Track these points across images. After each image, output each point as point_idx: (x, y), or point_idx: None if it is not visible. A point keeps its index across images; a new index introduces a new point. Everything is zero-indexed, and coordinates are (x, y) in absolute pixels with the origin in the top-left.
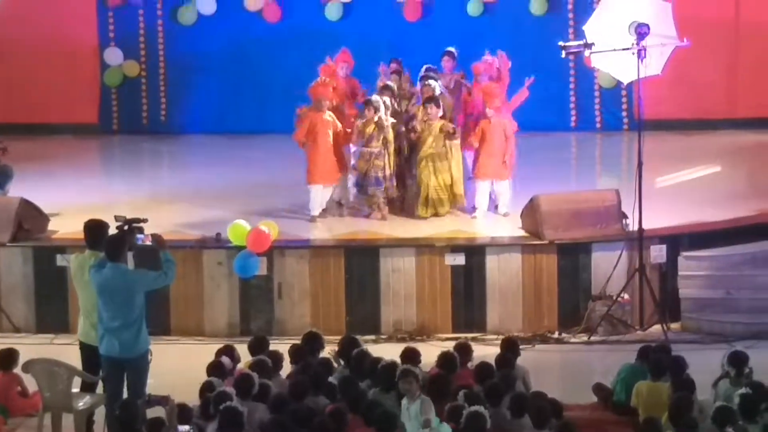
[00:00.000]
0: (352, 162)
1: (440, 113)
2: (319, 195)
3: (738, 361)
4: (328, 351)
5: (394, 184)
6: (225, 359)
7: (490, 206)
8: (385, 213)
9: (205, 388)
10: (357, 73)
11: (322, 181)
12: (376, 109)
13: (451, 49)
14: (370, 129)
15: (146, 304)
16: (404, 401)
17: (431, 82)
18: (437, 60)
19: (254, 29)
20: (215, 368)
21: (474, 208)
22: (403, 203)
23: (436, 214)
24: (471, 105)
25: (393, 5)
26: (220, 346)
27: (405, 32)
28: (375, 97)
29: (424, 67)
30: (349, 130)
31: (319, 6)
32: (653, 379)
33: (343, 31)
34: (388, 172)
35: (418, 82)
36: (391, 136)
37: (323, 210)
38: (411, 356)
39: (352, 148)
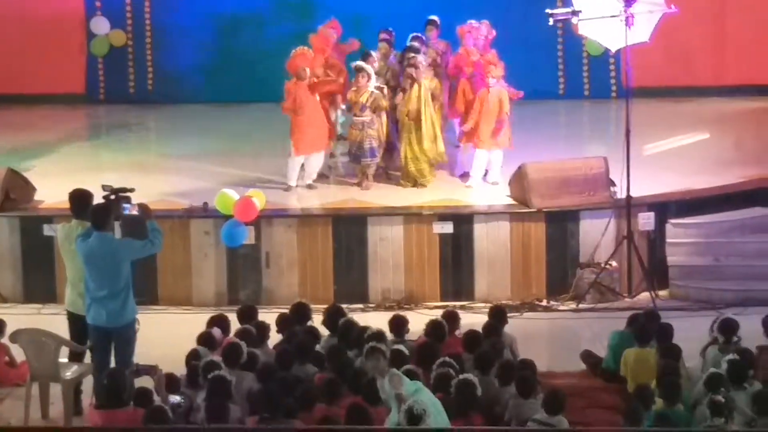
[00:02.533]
0: (340, 130)
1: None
2: (298, 165)
3: (728, 328)
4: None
5: (381, 153)
6: (215, 330)
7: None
8: (370, 184)
9: (191, 357)
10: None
11: (309, 150)
12: (369, 76)
13: (434, 17)
14: (364, 98)
15: (134, 273)
16: (378, 381)
17: (414, 54)
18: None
19: None
20: (205, 339)
21: (467, 176)
22: (390, 171)
23: (416, 185)
24: (454, 69)
25: None
26: (208, 315)
27: (393, 3)
28: (366, 65)
29: (410, 36)
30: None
31: None
32: (640, 345)
33: (335, 1)
34: (380, 141)
35: (404, 53)
36: (384, 102)
37: (319, 175)
38: (399, 324)
39: (339, 116)
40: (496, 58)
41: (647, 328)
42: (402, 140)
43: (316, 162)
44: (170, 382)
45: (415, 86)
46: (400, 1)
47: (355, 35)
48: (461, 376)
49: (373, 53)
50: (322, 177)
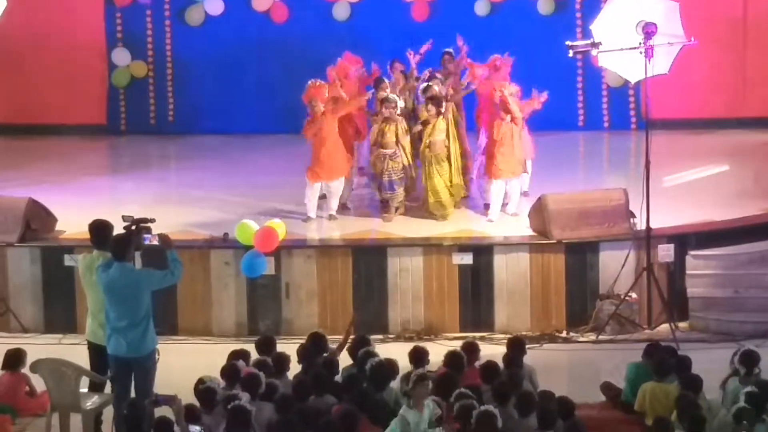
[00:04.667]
0: (362, 164)
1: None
2: (315, 195)
3: (750, 360)
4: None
5: (407, 182)
6: (240, 362)
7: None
8: (392, 216)
9: (198, 383)
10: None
11: (324, 178)
12: (395, 105)
13: (449, 49)
14: (386, 128)
15: (154, 303)
16: (405, 411)
17: (434, 83)
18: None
19: (262, 29)
20: (229, 371)
21: (487, 208)
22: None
23: (444, 215)
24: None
25: (401, 5)
26: (228, 345)
27: (413, 32)
28: (392, 96)
29: (428, 71)
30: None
31: (326, 6)
32: (658, 379)
33: (350, 31)
34: (402, 174)
35: (421, 84)
36: (402, 131)
37: (342, 206)
38: (419, 355)
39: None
40: (517, 93)
41: (665, 361)
42: (425, 173)
43: (336, 191)
44: (190, 413)
45: (440, 119)
46: (417, 29)
47: (379, 64)
48: (482, 408)
49: (386, 80)
50: (343, 208)
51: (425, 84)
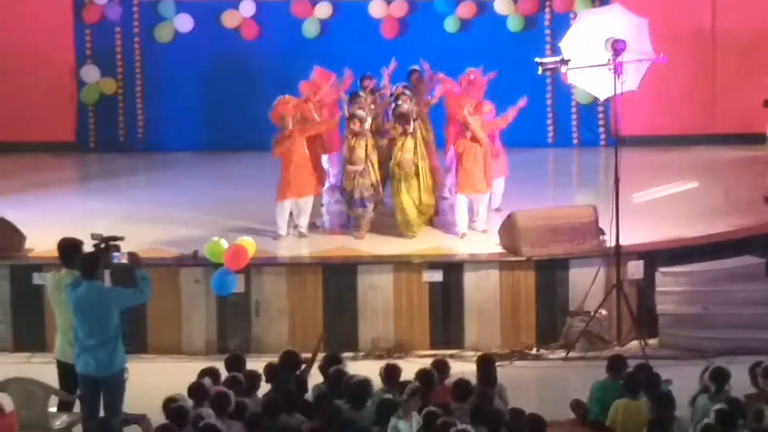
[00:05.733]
0: (333, 181)
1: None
2: (286, 213)
3: (720, 377)
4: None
5: (377, 198)
6: (207, 380)
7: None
8: (363, 234)
9: (168, 401)
10: None
11: (292, 195)
12: (362, 121)
13: (416, 67)
14: (355, 143)
15: (124, 322)
16: (396, 422)
17: (402, 100)
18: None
19: (231, 46)
20: (197, 389)
21: (456, 226)
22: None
23: (412, 233)
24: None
25: (370, 22)
26: (198, 364)
27: (382, 49)
28: (359, 111)
29: (396, 86)
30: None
31: (296, 23)
32: (629, 397)
33: (320, 48)
34: (372, 191)
35: (392, 101)
36: (371, 148)
37: (310, 224)
38: (391, 373)
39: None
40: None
41: (636, 378)
42: (393, 191)
43: (306, 208)
44: None
45: (408, 137)
46: (386, 46)
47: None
48: (459, 426)
49: (362, 93)
50: (312, 226)
51: (394, 102)
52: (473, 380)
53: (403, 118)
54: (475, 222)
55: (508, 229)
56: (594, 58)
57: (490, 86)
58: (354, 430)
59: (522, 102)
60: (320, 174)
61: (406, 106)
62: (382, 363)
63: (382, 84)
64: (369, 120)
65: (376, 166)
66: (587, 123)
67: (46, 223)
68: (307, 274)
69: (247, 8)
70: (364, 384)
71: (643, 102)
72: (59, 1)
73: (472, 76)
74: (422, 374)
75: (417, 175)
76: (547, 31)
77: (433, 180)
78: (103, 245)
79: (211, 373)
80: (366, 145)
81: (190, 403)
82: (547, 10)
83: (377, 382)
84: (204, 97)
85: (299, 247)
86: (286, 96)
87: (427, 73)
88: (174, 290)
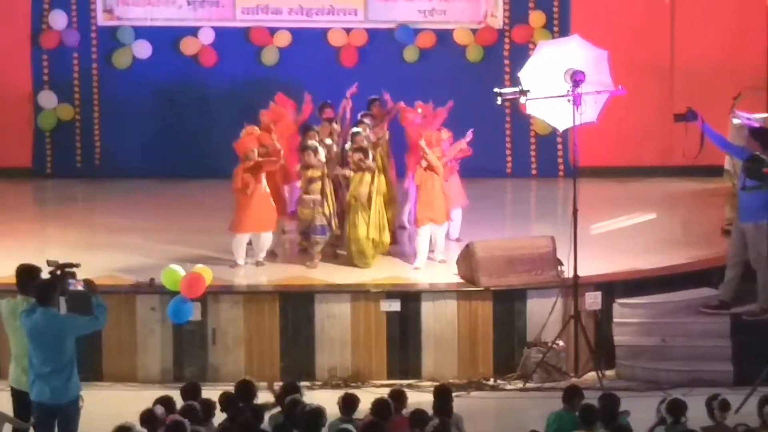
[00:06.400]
0: (292, 209)
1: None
2: (244, 242)
3: (677, 409)
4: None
5: (333, 227)
6: (158, 408)
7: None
8: (317, 262)
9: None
10: None
11: (251, 229)
12: (315, 152)
13: (376, 97)
14: (312, 174)
15: (79, 349)
16: None
17: (360, 131)
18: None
19: (189, 73)
20: (148, 417)
21: (414, 257)
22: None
23: (366, 264)
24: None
25: (329, 51)
26: (153, 392)
27: (342, 78)
28: (312, 142)
29: (360, 114)
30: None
31: (254, 51)
32: (585, 428)
33: (279, 76)
34: (331, 218)
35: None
36: (327, 179)
37: (268, 253)
38: (349, 403)
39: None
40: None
41: (591, 409)
42: (348, 221)
43: (264, 241)
44: None
45: (366, 173)
46: (345, 75)
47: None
48: None
49: (316, 127)
50: (271, 254)
51: (353, 131)
52: (430, 410)
53: (360, 151)
54: (433, 252)
55: (466, 259)
56: (553, 89)
57: (450, 116)
58: None
59: (469, 136)
60: (281, 204)
61: (364, 133)
62: (339, 392)
63: (340, 110)
64: (322, 151)
65: (332, 196)
66: (546, 154)
67: (1, 249)
68: (264, 302)
69: (206, 35)
70: (317, 413)
71: (602, 133)
72: (16, 26)
73: (419, 110)
74: (379, 404)
75: (372, 207)
76: (506, 62)
77: (392, 211)
78: (59, 272)
79: (166, 401)
80: (322, 176)
81: (142, 431)
82: (506, 40)
83: (335, 412)
84: (162, 124)
85: (256, 275)
86: (253, 127)
87: (388, 103)
88: (130, 318)
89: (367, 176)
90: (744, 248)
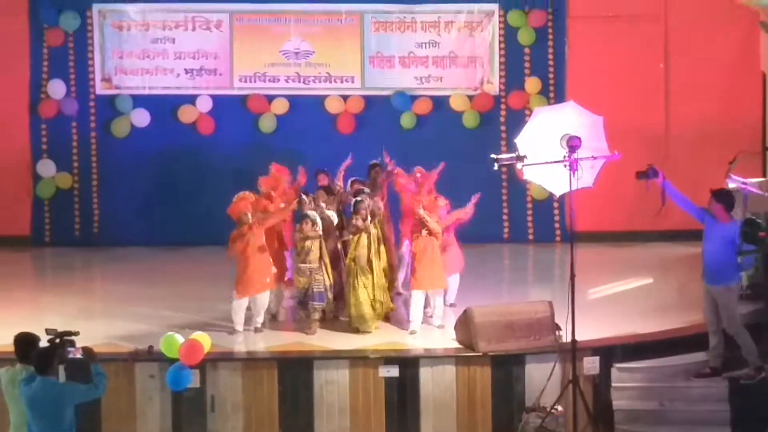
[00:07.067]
0: (290, 276)
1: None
2: (243, 308)
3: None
4: None
5: (331, 296)
6: None
7: (424, 317)
8: (315, 329)
9: None
10: None
11: (251, 292)
12: (314, 223)
13: (377, 161)
14: (309, 244)
15: (78, 416)
16: None
17: (361, 196)
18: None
19: (188, 141)
20: None
21: (409, 323)
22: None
23: (367, 328)
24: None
25: (326, 118)
26: None
27: (339, 145)
28: (312, 212)
29: (350, 180)
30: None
31: (252, 118)
32: None
33: (276, 143)
34: (328, 284)
35: (350, 196)
36: (324, 248)
37: (272, 316)
38: None
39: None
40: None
41: None
42: (348, 286)
43: (262, 305)
44: None
45: (364, 235)
46: (343, 142)
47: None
48: None
49: (305, 198)
50: (273, 319)
51: (354, 199)
52: None
53: (360, 214)
54: (431, 317)
55: (465, 325)
56: (549, 154)
57: (446, 182)
58: None
59: (476, 198)
60: (280, 266)
61: (366, 201)
62: None
63: (336, 180)
64: (320, 221)
65: (329, 268)
66: (542, 219)
67: (0, 317)
68: (263, 369)
69: (204, 103)
70: None
71: (598, 198)
72: (16, 96)
73: (418, 175)
74: None
75: (372, 271)
76: (503, 128)
77: (391, 277)
78: (57, 340)
79: None
80: (319, 246)
81: None
82: (503, 106)
83: None
84: (160, 192)
85: (255, 342)
86: (246, 192)
87: (388, 164)
88: (129, 385)
89: (364, 239)
90: (718, 313)
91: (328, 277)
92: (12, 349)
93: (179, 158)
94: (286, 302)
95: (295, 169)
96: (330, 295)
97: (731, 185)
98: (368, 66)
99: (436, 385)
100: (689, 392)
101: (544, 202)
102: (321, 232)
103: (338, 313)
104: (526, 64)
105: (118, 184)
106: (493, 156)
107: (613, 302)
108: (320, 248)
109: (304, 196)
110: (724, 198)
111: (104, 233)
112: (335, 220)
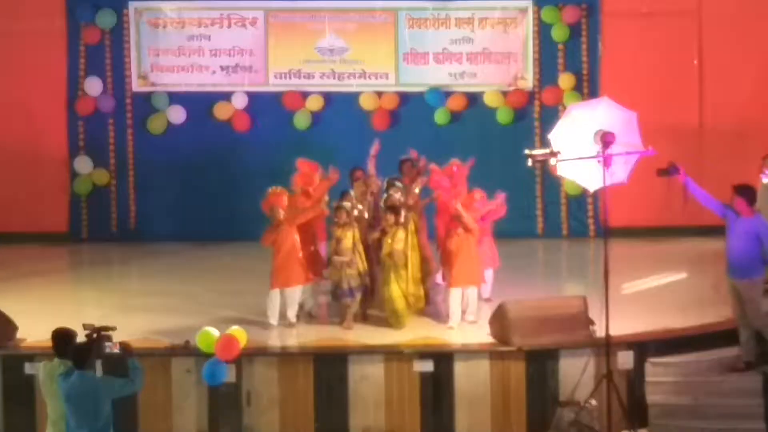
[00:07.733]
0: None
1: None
2: (277, 302)
3: None
4: None
5: (365, 286)
6: None
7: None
8: (351, 324)
9: None
10: None
11: (282, 285)
12: (347, 213)
13: (408, 157)
14: (341, 233)
15: (115, 411)
16: None
17: (393, 191)
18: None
19: (223, 138)
20: None
21: (448, 317)
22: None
23: (400, 324)
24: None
25: (361, 114)
26: None
27: (373, 141)
28: (345, 203)
29: (388, 179)
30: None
31: (287, 115)
32: None
33: (311, 139)
34: (359, 281)
35: (383, 192)
36: (358, 238)
37: (301, 310)
38: None
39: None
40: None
41: None
42: (383, 281)
43: (292, 299)
44: None
45: (399, 228)
46: (377, 138)
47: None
48: None
49: (351, 192)
50: (308, 315)
51: (386, 194)
52: None
53: (393, 209)
54: (465, 313)
55: (499, 320)
56: (583, 150)
57: (480, 178)
58: None
59: (501, 198)
60: (315, 263)
61: (397, 195)
62: None
63: (368, 171)
64: (356, 211)
65: (363, 255)
66: (576, 214)
67: (38, 313)
68: (298, 364)
69: (239, 100)
70: None
71: (632, 194)
72: (53, 93)
73: (455, 168)
74: None
75: (407, 265)
76: (537, 124)
77: (425, 270)
78: (95, 335)
79: None
80: (353, 236)
81: None
82: (537, 103)
83: None
84: (196, 188)
85: (290, 337)
86: (278, 187)
87: (419, 161)
88: (165, 380)
89: (400, 233)
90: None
91: (362, 263)
92: (50, 344)
93: (215, 155)
94: (321, 298)
95: (327, 166)
96: (367, 281)
97: (765, 180)
98: (402, 62)
99: (471, 379)
100: (723, 386)
101: (577, 198)
102: (355, 222)
103: (368, 306)
104: (560, 60)
105: (154, 181)
106: (526, 152)
107: (647, 297)
108: (354, 239)
109: (351, 192)
110: (746, 192)
111: (141, 229)
112: (366, 214)
